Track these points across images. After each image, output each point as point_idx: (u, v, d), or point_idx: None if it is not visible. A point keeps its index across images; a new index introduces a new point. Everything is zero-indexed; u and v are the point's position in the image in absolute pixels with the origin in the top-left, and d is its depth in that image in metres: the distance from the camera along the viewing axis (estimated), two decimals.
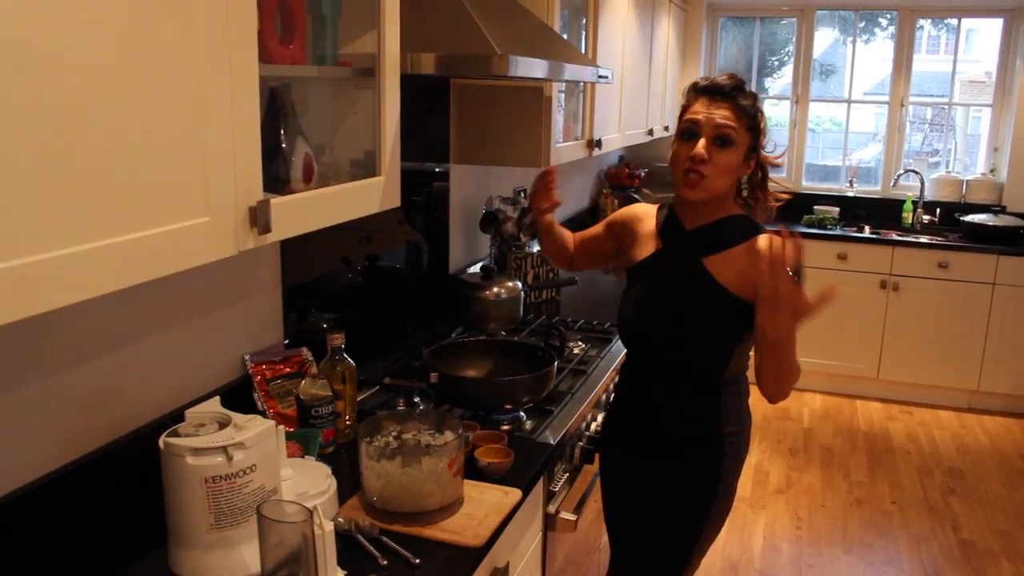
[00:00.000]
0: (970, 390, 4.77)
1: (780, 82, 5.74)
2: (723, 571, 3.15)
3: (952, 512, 3.63)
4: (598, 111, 3.18)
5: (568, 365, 2.37)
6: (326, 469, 1.52)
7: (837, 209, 5.12)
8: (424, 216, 2.59)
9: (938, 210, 5.13)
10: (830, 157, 6.03)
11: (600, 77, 2.51)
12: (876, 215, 5.23)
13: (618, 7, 3.39)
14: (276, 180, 1.43)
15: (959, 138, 5.55)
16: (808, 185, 5.55)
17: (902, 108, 5.27)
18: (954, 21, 5.32)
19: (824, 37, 5.59)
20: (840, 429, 4.50)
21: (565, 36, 2.88)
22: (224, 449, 1.24)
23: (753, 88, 6.12)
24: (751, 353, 1.80)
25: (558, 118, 2.73)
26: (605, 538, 2.11)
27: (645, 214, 1.90)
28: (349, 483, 1.61)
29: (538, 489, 1.83)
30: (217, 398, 1.38)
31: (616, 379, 2.01)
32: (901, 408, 4.82)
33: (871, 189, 5.41)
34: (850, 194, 5.36)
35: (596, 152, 3.17)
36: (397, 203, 1.69)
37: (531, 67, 1.88)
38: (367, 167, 1.62)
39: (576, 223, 4.28)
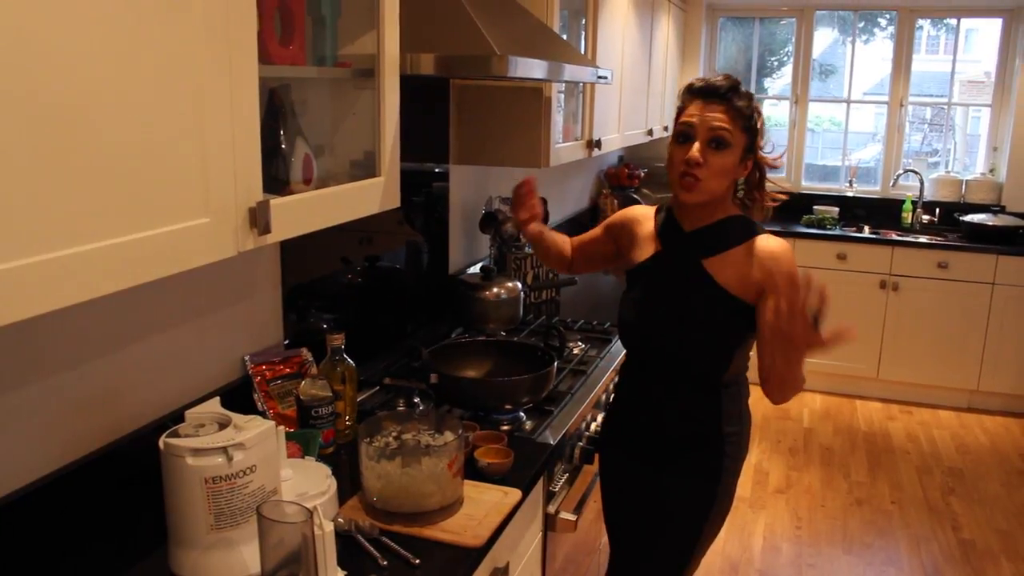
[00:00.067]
0: (970, 390, 4.77)
1: (779, 82, 5.74)
2: (723, 571, 3.15)
3: (952, 512, 3.63)
4: (597, 111, 3.18)
5: (568, 365, 2.38)
6: (326, 469, 1.53)
7: (837, 209, 5.12)
8: (424, 216, 2.59)
9: (937, 210, 5.14)
10: (829, 157, 6.03)
11: (599, 78, 2.51)
12: (875, 215, 5.23)
13: (617, 7, 3.39)
14: (276, 181, 1.43)
15: (958, 138, 5.55)
16: (807, 185, 5.56)
17: (901, 108, 5.27)
18: (953, 21, 5.32)
19: (823, 37, 5.60)
20: (840, 429, 4.50)
21: (564, 36, 2.88)
22: (224, 450, 1.24)
23: (752, 88, 6.10)
24: (751, 354, 1.81)
25: (557, 118, 2.73)
26: (605, 538, 2.11)
27: (643, 216, 1.90)
28: (349, 483, 1.61)
29: (538, 489, 1.83)
30: (217, 399, 1.39)
31: (616, 379, 2.01)
32: (901, 408, 4.82)
33: (870, 189, 5.42)
34: (850, 194, 5.36)
35: (596, 152, 3.18)
36: (397, 203, 1.69)
37: (530, 68, 1.88)
38: (367, 168, 1.62)
39: (576, 223, 4.29)
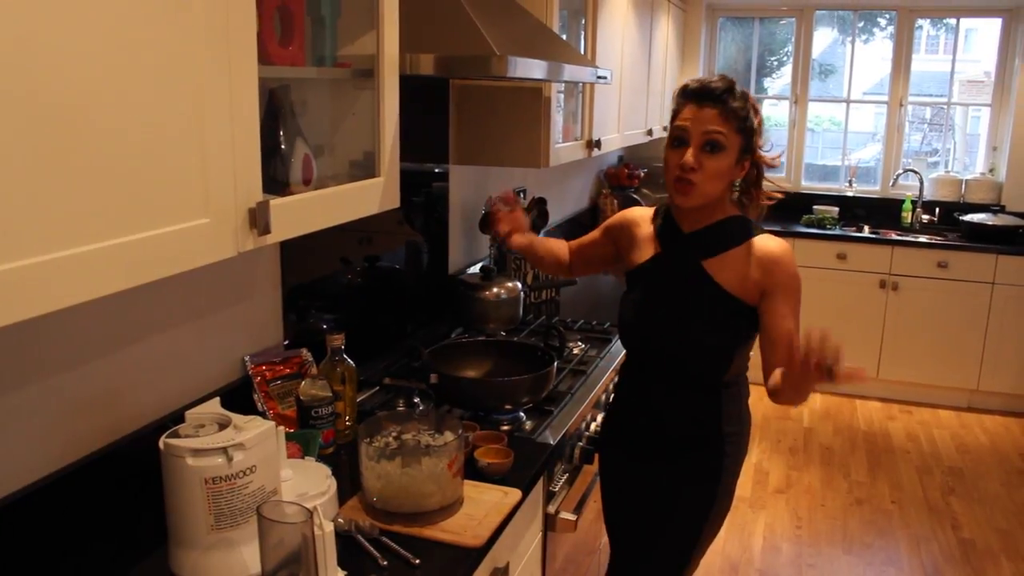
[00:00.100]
0: (969, 389, 4.77)
1: (779, 82, 5.74)
2: (723, 571, 3.15)
3: (952, 511, 3.63)
4: (597, 111, 3.18)
5: (568, 365, 2.38)
6: (326, 470, 1.53)
7: (836, 209, 5.12)
8: (424, 217, 2.59)
9: (937, 210, 5.14)
10: (829, 157, 6.03)
11: (599, 78, 2.51)
12: (875, 215, 5.23)
13: (617, 7, 3.39)
14: (275, 181, 1.43)
15: (958, 138, 5.55)
16: (807, 185, 5.56)
17: (901, 108, 5.27)
18: (953, 21, 5.33)
19: (823, 37, 5.60)
20: (840, 429, 4.50)
21: (564, 37, 2.88)
22: (224, 450, 1.24)
23: (752, 88, 6.09)
24: (751, 354, 1.81)
25: (557, 118, 2.73)
26: (605, 538, 2.11)
27: (641, 218, 1.90)
28: (349, 484, 1.61)
29: (538, 489, 1.83)
30: (217, 399, 1.39)
31: (616, 379, 2.01)
32: (901, 408, 4.82)
33: (870, 189, 5.42)
34: (849, 194, 5.36)
35: (595, 152, 3.18)
36: (396, 204, 1.69)
37: (530, 68, 1.88)
38: (366, 168, 1.63)
39: (575, 223, 4.29)
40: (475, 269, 2.77)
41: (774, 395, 1.67)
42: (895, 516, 3.58)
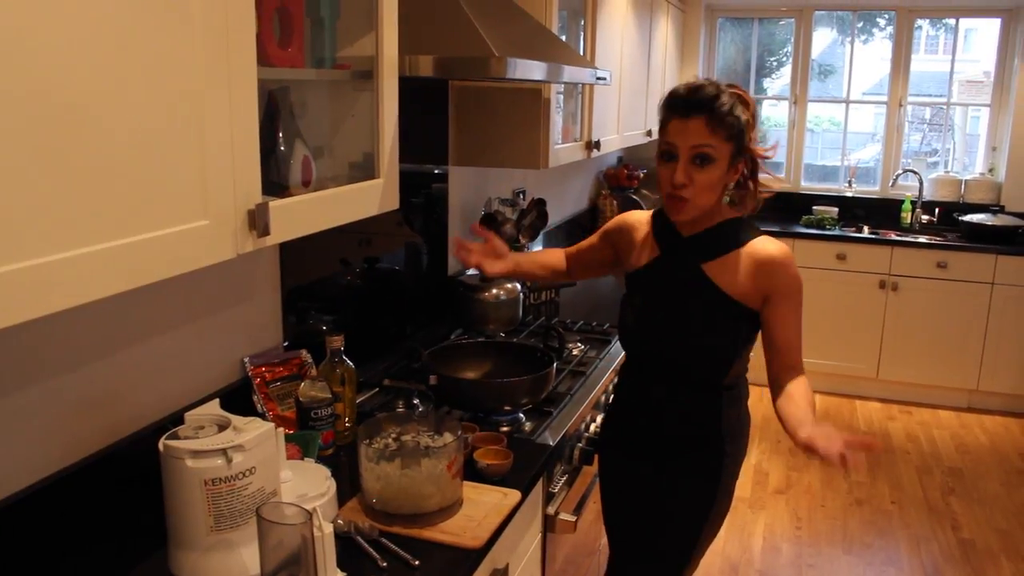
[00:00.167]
0: (969, 390, 4.78)
1: (778, 82, 5.74)
2: (723, 571, 3.15)
3: (952, 512, 3.63)
4: (597, 112, 3.18)
5: (567, 366, 2.38)
6: (325, 471, 1.53)
7: (836, 209, 5.12)
8: (423, 218, 2.59)
9: (937, 210, 5.14)
10: (829, 157, 6.03)
11: (598, 79, 2.51)
12: (875, 215, 5.23)
13: (616, 8, 3.39)
14: (275, 183, 1.43)
15: (958, 138, 5.55)
16: (807, 185, 5.56)
17: (900, 108, 5.27)
18: (952, 21, 5.33)
19: (822, 37, 5.60)
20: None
21: (563, 38, 2.88)
22: (224, 451, 1.24)
23: (752, 89, 6.08)
24: (751, 356, 1.81)
25: (556, 119, 2.73)
26: (604, 539, 2.11)
27: (639, 221, 1.89)
28: (348, 485, 1.61)
29: (537, 490, 1.83)
30: (217, 400, 1.39)
31: (615, 380, 2.01)
32: (900, 408, 4.82)
33: (870, 189, 5.42)
34: (849, 194, 5.36)
35: (595, 153, 3.18)
36: (396, 205, 1.69)
37: (529, 69, 1.88)
38: (366, 169, 1.63)
39: (575, 224, 4.29)
40: (474, 270, 2.77)
41: (783, 411, 1.71)
42: (895, 516, 3.58)
